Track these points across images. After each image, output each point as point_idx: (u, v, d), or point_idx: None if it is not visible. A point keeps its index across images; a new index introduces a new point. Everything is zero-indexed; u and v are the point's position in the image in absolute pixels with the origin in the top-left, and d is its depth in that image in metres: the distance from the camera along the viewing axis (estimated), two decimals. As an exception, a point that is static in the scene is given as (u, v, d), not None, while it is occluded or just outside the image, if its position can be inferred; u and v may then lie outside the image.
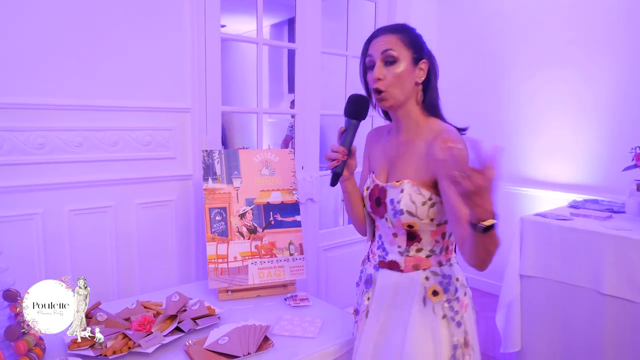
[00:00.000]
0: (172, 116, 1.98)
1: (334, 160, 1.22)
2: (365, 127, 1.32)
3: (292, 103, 2.75)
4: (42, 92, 1.65)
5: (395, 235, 1.22)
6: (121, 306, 1.54)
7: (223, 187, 1.84)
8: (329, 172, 1.24)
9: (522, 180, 3.38)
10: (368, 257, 1.34)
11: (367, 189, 1.30)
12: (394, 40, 1.17)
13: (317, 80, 2.57)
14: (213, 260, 1.75)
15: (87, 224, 1.79)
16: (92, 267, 1.81)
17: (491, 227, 0.89)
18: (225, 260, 1.76)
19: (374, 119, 2.92)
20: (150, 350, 1.27)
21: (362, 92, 1.27)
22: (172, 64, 1.96)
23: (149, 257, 1.96)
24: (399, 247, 1.22)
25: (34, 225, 1.67)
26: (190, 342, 1.35)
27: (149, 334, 1.35)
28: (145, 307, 1.53)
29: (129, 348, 1.28)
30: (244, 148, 3.29)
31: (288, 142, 4.86)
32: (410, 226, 1.17)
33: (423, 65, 1.19)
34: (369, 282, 1.29)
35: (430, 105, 1.23)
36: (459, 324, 1.18)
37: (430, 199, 1.15)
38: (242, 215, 1.84)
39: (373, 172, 1.30)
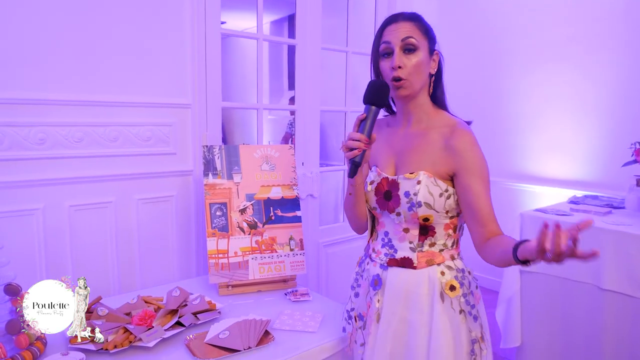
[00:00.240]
0: (173, 112, 1.98)
1: (354, 149, 1.08)
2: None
3: (292, 100, 2.75)
4: (43, 88, 1.65)
5: (406, 230, 1.19)
6: (122, 301, 1.55)
7: (223, 182, 1.85)
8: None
9: (522, 177, 3.38)
10: (370, 257, 1.28)
11: (371, 184, 1.25)
12: (413, 28, 1.14)
13: (317, 76, 2.56)
14: (213, 256, 1.75)
15: (88, 220, 1.80)
16: (93, 263, 1.82)
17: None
18: (226, 255, 1.77)
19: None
20: (151, 345, 1.27)
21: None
22: (172, 60, 1.96)
23: (149, 252, 1.97)
24: (411, 242, 1.19)
25: (34, 221, 1.67)
26: (191, 336, 1.36)
27: (149, 329, 1.35)
28: (146, 302, 1.53)
29: (130, 342, 1.28)
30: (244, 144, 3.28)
31: (287, 139, 4.87)
32: (425, 219, 1.15)
33: (436, 56, 1.18)
34: (377, 283, 1.22)
35: (439, 98, 1.22)
36: (475, 318, 1.17)
37: (446, 190, 1.14)
38: (243, 211, 1.84)
39: (376, 166, 1.26)
